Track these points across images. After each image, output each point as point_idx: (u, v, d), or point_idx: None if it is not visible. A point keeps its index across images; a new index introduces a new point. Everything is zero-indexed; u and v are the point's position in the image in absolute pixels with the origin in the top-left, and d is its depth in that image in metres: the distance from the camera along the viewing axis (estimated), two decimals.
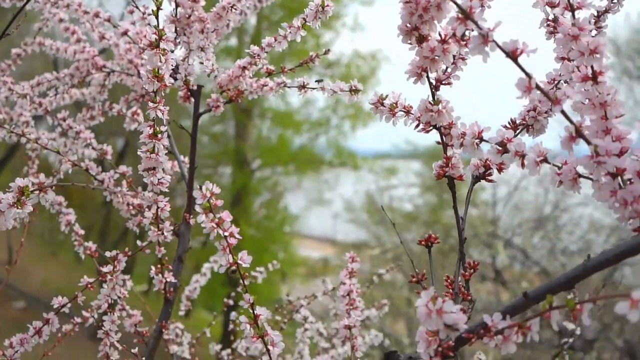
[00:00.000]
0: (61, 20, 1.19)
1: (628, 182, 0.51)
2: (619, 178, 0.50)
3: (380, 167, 11.97)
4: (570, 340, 1.08)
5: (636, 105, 9.12)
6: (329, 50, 1.00)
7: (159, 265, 0.96)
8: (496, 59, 0.53)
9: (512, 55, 0.50)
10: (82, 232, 1.10)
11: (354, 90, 0.86)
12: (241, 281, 0.64)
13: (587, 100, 0.55)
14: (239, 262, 0.62)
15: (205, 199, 0.60)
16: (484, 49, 0.50)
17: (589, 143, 0.51)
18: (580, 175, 0.54)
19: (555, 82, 0.68)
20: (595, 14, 0.70)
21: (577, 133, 0.51)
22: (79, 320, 1.08)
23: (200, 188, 0.60)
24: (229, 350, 1.40)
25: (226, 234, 0.61)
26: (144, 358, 0.96)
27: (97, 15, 1.09)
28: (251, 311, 0.64)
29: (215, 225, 0.61)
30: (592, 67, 0.53)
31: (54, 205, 1.13)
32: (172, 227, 0.90)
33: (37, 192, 0.67)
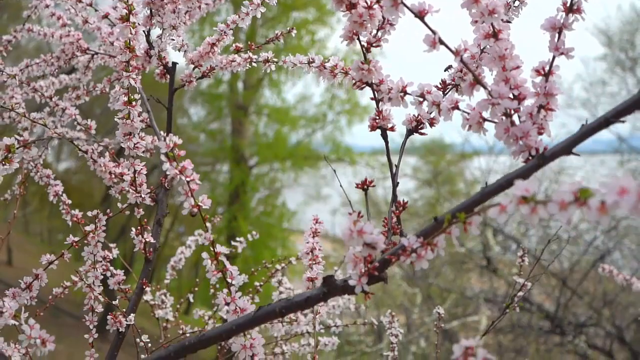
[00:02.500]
0: (47, 6, 1.27)
1: (520, 122, 0.60)
2: (512, 118, 0.59)
3: (377, 162, 12.06)
4: (520, 294, 1.16)
5: (628, 96, 9.20)
6: (293, 28, 1.09)
7: (139, 227, 1.05)
8: None
9: (420, 15, 0.59)
10: (69, 201, 1.18)
11: (310, 63, 0.95)
12: (204, 223, 0.73)
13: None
14: (200, 204, 0.71)
15: (169, 148, 0.69)
16: (395, 10, 0.59)
17: (485, 89, 0.60)
18: (484, 119, 0.63)
19: (480, 46, 0.77)
20: None
21: (476, 80, 0.60)
22: (67, 284, 1.18)
23: (165, 139, 0.69)
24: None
25: (189, 179, 0.70)
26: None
27: (79, 0, 1.18)
28: (212, 249, 0.73)
29: (178, 172, 0.70)
30: (492, 25, 0.62)
31: (42, 177, 1.22)
32: (149, 190, 0.99)
33: (21, 148, 0.76)
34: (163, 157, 0.70)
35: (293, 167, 12.53)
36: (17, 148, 0.75)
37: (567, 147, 0.56)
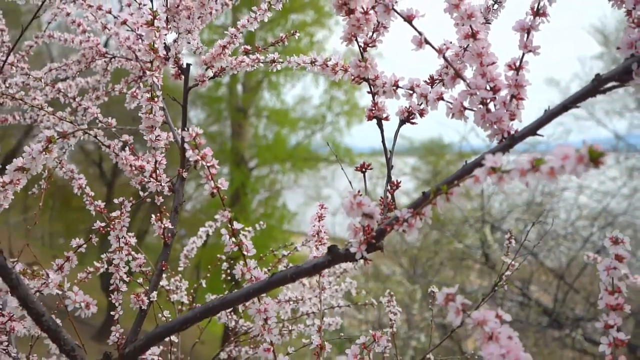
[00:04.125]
0: (68, 14, 1.38)
1: (495, 109, 0.70)
2: (488, 106, 0.70)
3: (377, 163, 12.16)
4: (508, 273, 1.26)
5: (625, 94, 9.32)
6: (296, 31, 1.19)
7: (158, 214, 1.15)
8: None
9: (409, 19, 0.70)
10: (92, 193, 1.28)
11: (313, 62, 1.05)
12: (221, 202, 0.83)
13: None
14: (219, 186, 0.81)
15: (192, 137, 0.80)
16: (387, 15, 0.69)
17: (465, 81, 0.70)
18: (465, 108, 0.73)
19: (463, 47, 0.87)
20: None
21: (456, 74, 0.71)
22: (91, 269, 1.28)
23: (188, 130, 0.79)
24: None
25: (209, 164, 0.81)
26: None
27: (99, 8, 1.28)
28: (229, 226, 0.83)
29: (200, 158, 0.81)
30: (470, 27, 0.72)
31: (67, 172, 1.32)
32: (168, 179, 1.10)
33: (60, 139, 0.86)
34: (186, 145, 0.80)
35: (293, 168, 12.63)
36: (57, 139, 0.85)
37: (532, 129, 0.66)
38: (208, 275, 1.64)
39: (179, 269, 1.59)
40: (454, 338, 6.23)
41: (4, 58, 1.41)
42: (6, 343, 1.12)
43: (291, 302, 1.35)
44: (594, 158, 0.47)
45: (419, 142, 11.77)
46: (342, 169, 1.11)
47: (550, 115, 0.65)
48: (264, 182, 12.44)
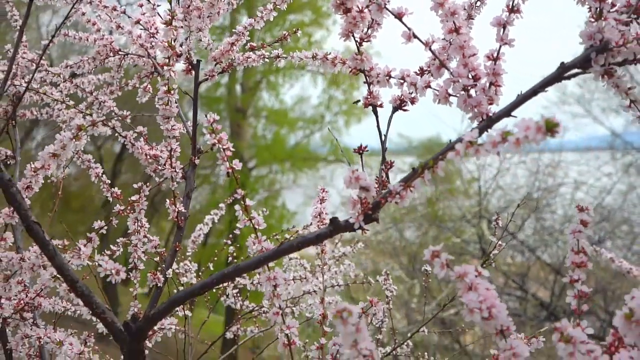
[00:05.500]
0: (83, 14, 1.47)
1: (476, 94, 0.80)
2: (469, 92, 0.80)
3: (376, 162, 12.27)
4: (495, 252, 1.36)
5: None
6: (297, 29, 1.29)
7: (172, 199, 1.25)
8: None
9: (399, 16, 0.79)
10: (108, 181, 1.38)
11: (315, 57, 1.15)
12: (236, 182, 0.93)
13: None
14: (233, 166, 0.91)
15: (210, 122, 0.89)
16: (380, 13, 0.79)
17: (449, 70, 0.80)
18: (449, 94, 0.83)
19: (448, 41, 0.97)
20: None
21: (441, 64, 0.81)
22: (108, 252, 1.37)
23: (205, 115, 0.89)
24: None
25: (224, 147, 0.90)
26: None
27: (114, 9, 1.38)
28: (242, 202, 0.93)
29: (217, 142, 0.90)
30: (454, 23, 0.82)
31: (84, 162, 1.42)
32: (182, 166, 1.20)
33: (90, 127, 0.96)
34: (205, 130, 0.90)
35: (292, 168, 12.73)
36: (87, 127, 0.95)
37: (507, 112, 0.76)
38: (215, 259, 1.73)
39: (187, 254, 1.69)
40: (453, 335, 6.33)
41: (24, 57, 1.51)
42: (31, 319, 1.22)
43: (295, 281, 1.45)
44: (550, 128, 0.57)
45: (417, 141, 11.88)
46: (348, 164, 1.21)
47: (522, 99, 0.75)
48: (263, 182, 12.54)
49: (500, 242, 1.37)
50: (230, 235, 1.87)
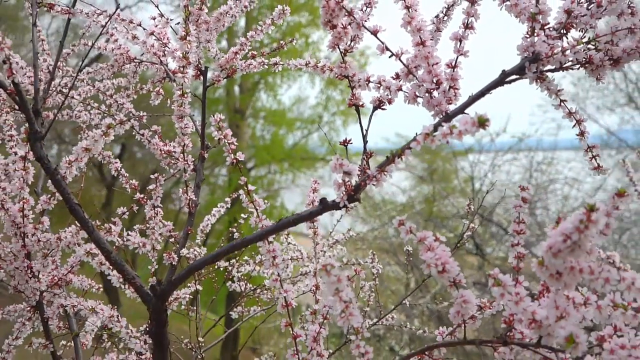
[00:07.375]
0: (103, 27, 1.65)
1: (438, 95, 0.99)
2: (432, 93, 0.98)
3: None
4: (468, 233, 1.54)
5: (616, 90, 9.63)
6: (293, 39, 1.48)
7: (184, 188, 1.43)
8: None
9: (374, 32, 0.98)
10: (127, 174, 1.56)
11: (307, 64, 1.33)
12: (240, 172, 1.11)
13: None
14: (237, 157, 1.09)
15: (216, 121, 1.08)
16: (359, 30, 0.97)
17: (415, 77, 0.98)
18: (417, 96, 1.01)
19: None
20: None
21: (409, 72, 0.99)
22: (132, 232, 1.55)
23: (213, 116, 1.07)
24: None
25: (229, 141, 1.09)
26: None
27: (131, 21, 1.56)
28: (245, 187, 1.11)
29: (223, 137, 1.09)
30: (419, 37, 1.00)
31: (105, 157, 1.60)
32: (193, 159, 1.38)
33: (117, 125, 1.14)
34: (212, 127, 1.08)
35: (290, 168, 12.90)
36: (115, 125, 1.13)
37: (460, 110, 0.94)
38: (221, 245, 1.90)
39: (197, 241, 1.87)
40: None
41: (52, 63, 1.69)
42: (63, 293, 1.40)
43: (292, 260, 1.63)
44: (481, 122, 0.75)
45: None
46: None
47: (471, 100, 0.93)
48: (262, 182, 12.71)
49: (473, 225, 1.55)
50: (230, 235, 2.04)
